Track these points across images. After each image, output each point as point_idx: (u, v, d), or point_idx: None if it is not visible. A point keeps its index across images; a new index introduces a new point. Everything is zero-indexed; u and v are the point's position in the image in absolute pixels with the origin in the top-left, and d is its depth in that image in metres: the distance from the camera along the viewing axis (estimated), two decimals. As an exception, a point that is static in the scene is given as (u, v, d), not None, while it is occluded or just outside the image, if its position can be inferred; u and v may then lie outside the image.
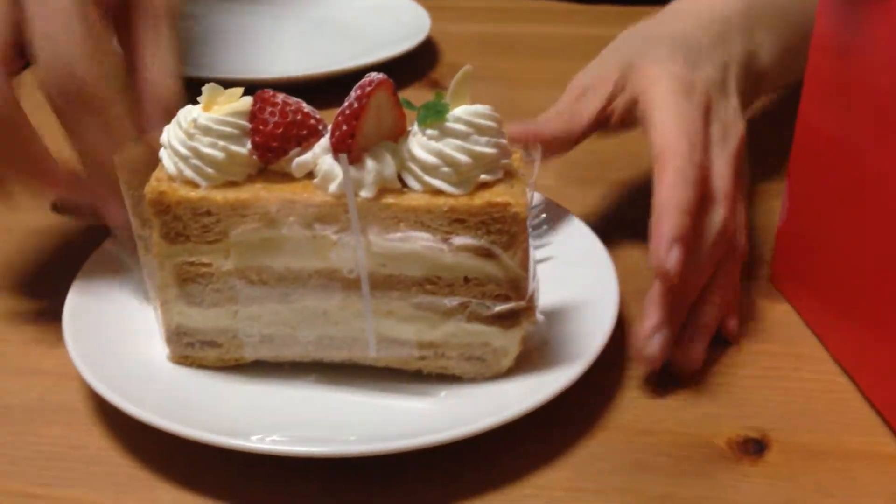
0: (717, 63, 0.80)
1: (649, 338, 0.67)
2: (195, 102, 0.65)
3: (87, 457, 0.64)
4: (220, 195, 0.63)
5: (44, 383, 0.71)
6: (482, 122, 0.63)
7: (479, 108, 0.63)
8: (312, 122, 0.64)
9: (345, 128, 0.61)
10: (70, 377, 0.70)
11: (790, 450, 0.64)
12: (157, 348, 0.70)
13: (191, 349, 0.69)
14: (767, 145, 1.06)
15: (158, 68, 0.73)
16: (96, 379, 0.64)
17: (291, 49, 1.34)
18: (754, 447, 0.65)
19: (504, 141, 0.64)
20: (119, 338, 0.70)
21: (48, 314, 0.76)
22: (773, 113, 1.13)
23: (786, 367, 0.73)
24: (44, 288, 0.82)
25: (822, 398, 0.69)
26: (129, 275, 0.74)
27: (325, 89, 0.96)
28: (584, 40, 1.41)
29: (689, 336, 0.71)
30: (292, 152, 0.63)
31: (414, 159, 0.62)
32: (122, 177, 0.65)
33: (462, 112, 0.63)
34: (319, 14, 1.41)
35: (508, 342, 0.66)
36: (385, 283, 0.65)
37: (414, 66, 1.27)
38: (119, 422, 0.65)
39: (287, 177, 0.64)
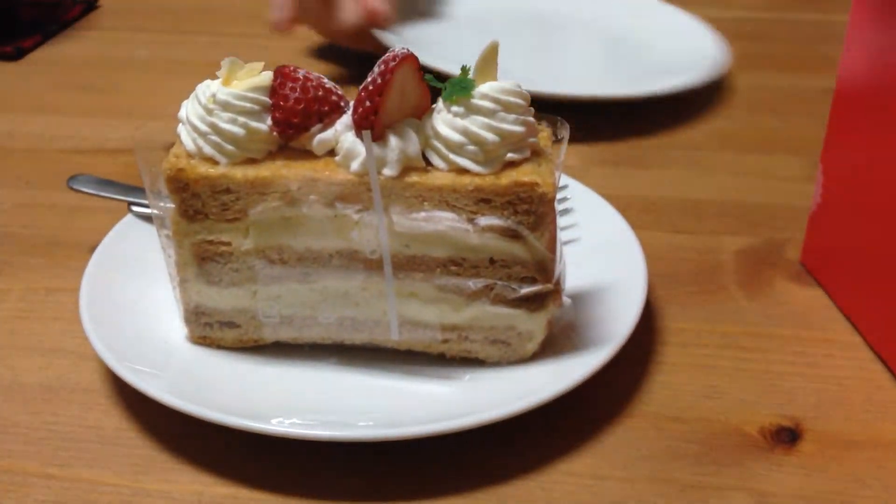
0: None
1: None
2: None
3: (105, 437, 0.63)
4: (239, 172, 0.61)
5: (62, 362, 0.70)
6: (509, 98, 0.61)
7: (506, 84, 0.61)
8: (334, 97, 0.62)
9: (368, 104, 0.59)
10: (88, 357, 0.69)
11: (824, 439, 0.63)
12: (176, 328, 0.69)
13: (209, 329, 0.68)
14: (798, 128, 1.04)
15: None
16: (114, 359, 0.63)
17: (571, 65, 1.18)
18: (787, 436, 0.63)
19: (532, 119, 0.62)
20: (137, 317, 0.69)
21: (68, 291, 0.75)
22: (804, 95, 1.10)
23: (818, 353, 0.71)
24: (63, 265, 0.81)
25: (856, 386, 0.67)
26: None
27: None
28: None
29: None
30: (313, 129, 0.62)
31: (439, 137, 0.61)
32: (140, 154, 0.64)
33: (488, 88, 0.61)
34: (606, 31, 1.25)
35: (534, 326, 0.65)
36: (408, 264, 0.63)
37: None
38: (137, 402, 0.64)
39: (308, 154, 0.62)
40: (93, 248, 0.75)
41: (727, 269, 0.80)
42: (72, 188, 0.84)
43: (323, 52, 1.26)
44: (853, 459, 0.61)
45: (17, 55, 1.25)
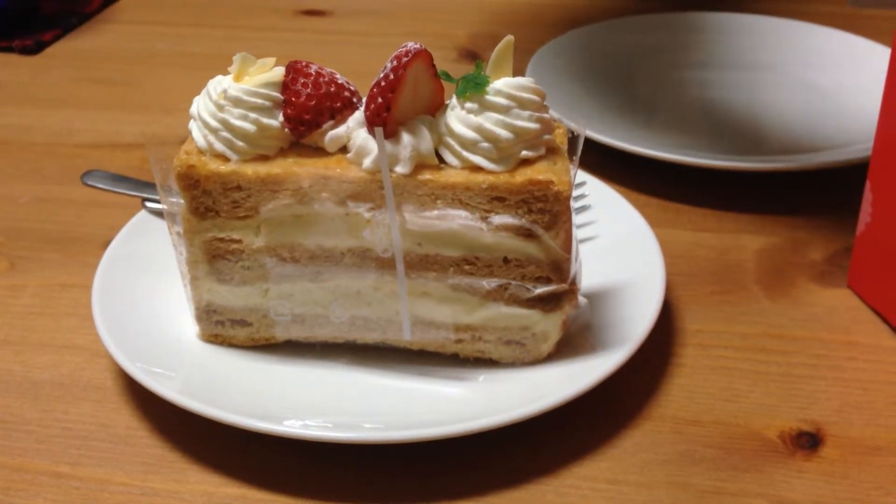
0: None
1: None
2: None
3: (116, 436, 0.63)
4: (250, 169, 0.61)
5: (74, 359, 0.70)
6: (524, 95, 0.59)
7: (520, 80, 0.60)
8: (347, 93, 0.61)
9: (380, 100, 0.58)
10: (101, 354, 0.69)
11: (846, 444, 0.61)
12: (188, 326, 0.68)
13: (221, 328, 0.67)
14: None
15: None
16: (126, 359, 0.63)
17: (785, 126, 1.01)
18: (808, 441, 0.61)
19: (547, 115, 0.61)
20: (149, 314, 0.68)
21: (82, 288, 0.75)
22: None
23: (840, 355, 0.69)
24: (78, 260, 0.81)
25: (879, 389, 0.66)
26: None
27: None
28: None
29: None
30: (325, 125, 0.61)
31: (452, 134, 0.60)
32: (151, 150, 0.63)
33: (503, 85, 0.60)
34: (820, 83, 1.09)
35: (549, 326, 0.63)
36: (421, 263, 0.62)
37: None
38: (148, 401, 0.64)
39: (320, 151, 0.62)
40: (106, 244, 0.75)
41: (748, 269, 0.78)
42: (86, 184, 0.83)
43: (336, 47, 1.26)
44: (876, 466, 0.60)
45: (37, 48, 1.25)
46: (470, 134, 0.59)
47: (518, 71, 0.62)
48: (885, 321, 0.72)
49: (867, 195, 0.72)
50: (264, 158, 0.61)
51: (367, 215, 0.60)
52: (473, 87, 0.59)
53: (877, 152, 0.71)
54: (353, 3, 1.40)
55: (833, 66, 1.10)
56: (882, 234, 0.72)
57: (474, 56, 1.20)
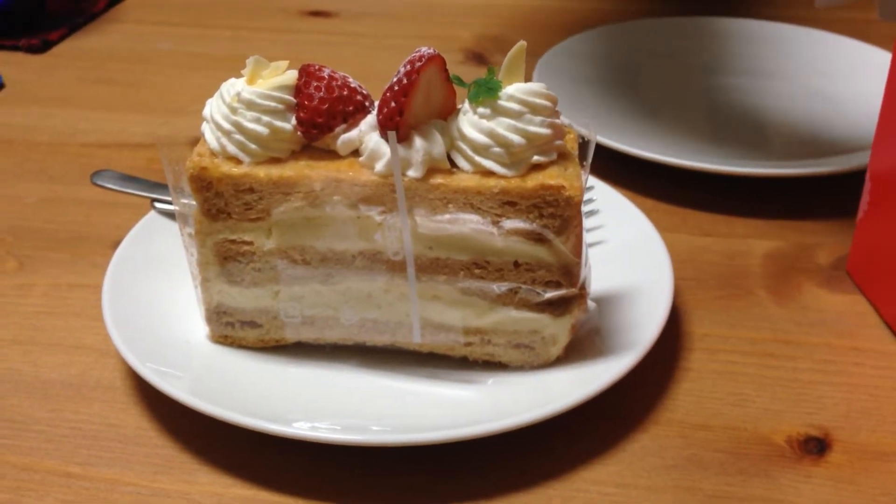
0: None
1: None
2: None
3: (125, 436, 0.63)
4: (263, 172, 0.61)
5: (84, 360, 0.70)
6: (536, 100, 0.60)
7: (533, 85, 0.60)
8: (359, 97, 0.61)
9: (393, 104, 0.58)
10: (110, 354, 0.69)
11: (853, 450, 0.61)
12: (198, 327, 0.68)
13: (231, 329, 0.67)
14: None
15: None
16: (136, 359, 0.63)
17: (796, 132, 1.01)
18: (816, 446, 0.62)
19: (558, 121, 0.61)
20: (159, 315, 0.69)
21: (90, 288, 0.75)
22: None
23: (847, 361, 0.69)
24: (86, 260, 0.81)
25: (886, 395, 0.66)
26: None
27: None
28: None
29: None
30: (338, 129, 0.61)
31: (464, 139, 0.60)
32: (163, 151, 0.63)
33: (515, 90, 0.60)
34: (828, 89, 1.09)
35: (558, 330, 0.64)
36: (431, 266, 0.63)
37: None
38: (158, 401, 0.64)
39: (332, 154, 0.62)
40: (115, 244, 0.75)
41: (755, 274, 0.79)
42: (95, 184, 0.83)
43: (342, 49, 1.26)
44: (883, 471, 0.60)
45: (44, 48, 1.25)
46: (482, 139, 0.59)
47: (525, 75, 0.62)
48: (876, 309, 0.73)
49: (866, 183, 0.74)
50: (277, 161, 0.61)
51: (378, 218, 0.61)
52: (486, 92, 0.59)
53: (877, 141, 0.72)
54: (358, 4, 1.41)
55: (842, 73, 1.11)
56: (878, 221, 0.73)
57: (481, 59, 1.20)
